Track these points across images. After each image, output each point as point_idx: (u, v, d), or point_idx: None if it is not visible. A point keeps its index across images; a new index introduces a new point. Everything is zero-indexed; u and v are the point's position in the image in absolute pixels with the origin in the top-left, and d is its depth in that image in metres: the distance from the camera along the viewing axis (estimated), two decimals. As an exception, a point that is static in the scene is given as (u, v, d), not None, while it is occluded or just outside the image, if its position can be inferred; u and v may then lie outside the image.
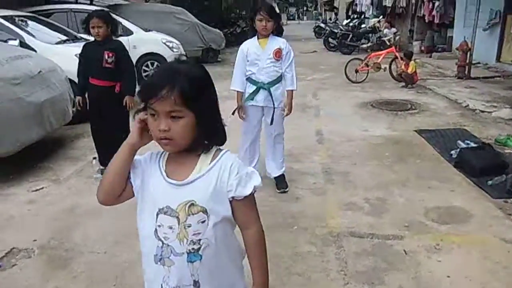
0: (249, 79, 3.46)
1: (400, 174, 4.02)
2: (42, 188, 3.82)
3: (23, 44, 5.68)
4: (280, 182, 3.72)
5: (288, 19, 52.70)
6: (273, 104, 3.44)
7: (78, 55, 3.85)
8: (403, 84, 8.38)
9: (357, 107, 6.83)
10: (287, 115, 3.55)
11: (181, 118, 1.13)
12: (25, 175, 4.07)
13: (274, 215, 3.22)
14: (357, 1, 22.76)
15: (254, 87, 3.43)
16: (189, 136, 1.16)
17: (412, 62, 8.33)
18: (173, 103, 1.10)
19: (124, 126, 3.96)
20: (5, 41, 5.55)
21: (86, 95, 3.88)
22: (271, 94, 3.40)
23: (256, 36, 3.43)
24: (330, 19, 28.47)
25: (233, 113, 3.52)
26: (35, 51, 5.65)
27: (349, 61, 9.22)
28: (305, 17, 60.49)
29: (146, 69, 9.28)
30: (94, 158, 3.77)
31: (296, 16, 63.14)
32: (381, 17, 16.09)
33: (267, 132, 3.66)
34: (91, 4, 12.35)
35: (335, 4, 30.96)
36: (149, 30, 9.67)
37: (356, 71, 9.00)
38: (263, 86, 3.40)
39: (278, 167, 3.73)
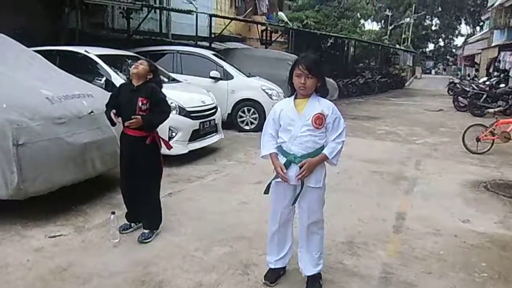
0: (279, 149, 2.74)
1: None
2: (61, 235, 3.56)
3: (108, 83, 5.83)
4: (312, 284, 2.84)
5: (424, 72, 49.79)
6: (302, 182, 2.65)
7: (111, 95, 3.59)
8: (540, 163, 6.63)
9: (466, 186, 5.46)
10: (301, 178, 2.65)
11: None
12: (56, 216, 3.89)
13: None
14: (500, 57, 20.14)
15: (284, 159, 2.70)
16: None
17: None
18: None
19: (156, 182, 3.54)
20: (93, 79, 5.76)
21: (119, 145, 3.57)
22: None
23: (293, 96, 2.73)
24: (469, 75, 25.75)
25: (266, 191, 2.83)
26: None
27: (469, 127, 7.72)
28: (444, 72, 56.51)
29: (242, 115, 9.09)
30: (113, 212, 3.40)
31: (433, 71, 59.39)
32: (526, 77, 13.73)
33: (299, 218, 2.84)
34: (210, 46, 12.91)
35: (476, 60, 28.04)
36: (252, 76, 9.53)
37: (478, 140, 7.48)
38: (294, 159, 2.65)
39: (313, 263, 2.86)
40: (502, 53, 19.97)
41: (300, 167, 2.62)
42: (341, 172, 5.88)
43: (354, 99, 17.83)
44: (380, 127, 10.44)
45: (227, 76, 9.00)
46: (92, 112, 4.15)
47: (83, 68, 6.08)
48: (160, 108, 3.41)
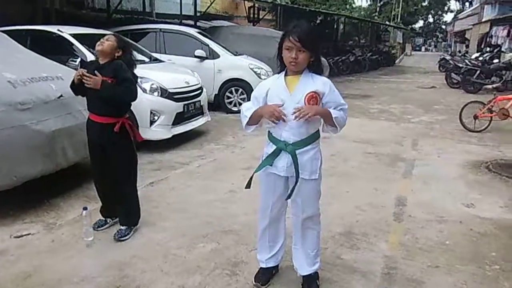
0: (269, 135, 2.38)
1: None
2: (28, 234, 3.19)
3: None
4: (308, 285, 2.53)
5: (414, 49, 49.31)
6: (297, 175, 2.30)
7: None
8: (540, 140, 6.38)
9: (466, 167, 5.18)
10: (298, 116, 2.16)
11: None
12: (25, 213, 3.52)
13: None
14: (492, 32, 19.85)
15: (274, 147, 2.34)
16: None
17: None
18: None
19: (131, 174, 3.18)
20: (67, 60, 5.30)
21: (86, 133, 3.17)
22: (295, 160, 2.28)
23: (283, 72, 2.35)
24: (460, 51, 25.41)
25: (247, 185, 2.47)
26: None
27: (467, 104, 7.42)
28: (434, 48, 55.91)
29: (230, 95, 8.67)
30: (85, 208, 3.04)
31: (423, 47, 58.82)
32: (520, 52, 13.46)
33: (293, 213, 2.51)
34: (195, 25, 12.38)
35: (467, 36, 27.72)
36: (240, 54, 9.09)
37: (476, 117, 7.20)
38: (286, 147, 2.29)
39: (309, 262, 2.55)
40: (494, 28, 19.70)
41: (294, 157, 2.26)
42: (335, 154, 5.57)
43: (345, 77, 17.45)
44: (373, 106, 10.12)
45: (213, 55, 8.55)
46: (61, 96, 3.73)
47: (56, 49, 5.62)
48: (124, 85, 2.92)
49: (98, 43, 2.94)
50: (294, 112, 2.16)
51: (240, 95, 8.64)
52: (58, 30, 5.77)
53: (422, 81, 16.89)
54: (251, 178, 2.45)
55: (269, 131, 2.38)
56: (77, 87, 2.97)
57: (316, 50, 2.28)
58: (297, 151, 2.27)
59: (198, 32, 8.94)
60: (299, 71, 2.28)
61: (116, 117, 2.98)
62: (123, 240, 3.10)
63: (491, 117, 7.15)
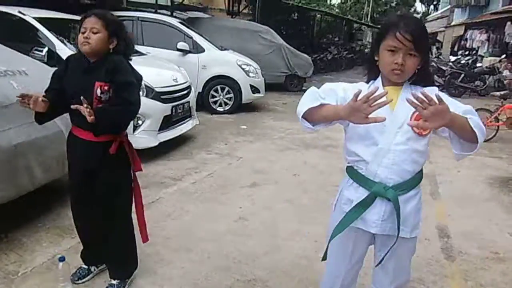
0: (353, 173, 1.64)
1: None
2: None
3: (51, 54, 4.43)
4: None
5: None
6: (398, 230, 1.57)
7: (52, 73, 2.24)
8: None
9: (494, 185, 4.63)
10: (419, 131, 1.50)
11: None
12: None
13: None
14: (467, 35, 19.91)
15: (366, 193, 1.60)
16: None
17: None
18: None
19: (127, 210, 2.34)
20: (31, 49, 4.33)
21: (66, 151, 2.32)
22: (398, 210, 1.55)
23: (379, 80, 1.61)
24: (432, 53, 25.54)
25: (324, 257, 1.75)
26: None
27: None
28: None
29: (215, 94, 7.83)
30: (62, 259, 2.19)
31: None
32: (503, 56, 13.35)
33: (376, 281, 1.78)
34: (171, 15, 11.42)
35: (439, 38, 27.96)
36: (225, 49, 8.26)
37: (484, 125, 6.72)
38: (384, 191, 1.55)
39: None
40: (469, 31, 19.73)
41: (396, 206, 1.53)
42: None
43: (324, 76, 16.86)
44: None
45: (197, 49, 7.69)
46: (26, 98, 2.82)
47: (16, 36, 4.63)
48: (122, 97, 2.04)
49: (81, 42, 2.03)
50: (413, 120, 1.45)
51: (226, 94, 7.83)
52: (20, 12, 4.77)
53: (401, 82, 16.58)
54: (327, 247, 1.70)
55: (351, 166, 1.63)
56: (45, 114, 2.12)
57: (427, 53, 1.56)
58: (400, 198, 1.54)
59: (180, 23, 8.02)
60: (403, 81, 1.55)
61: (112, 134, 2.14)
62: (115, 302, 2.27)
63: (498, 126, 6.72)
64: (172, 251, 2.84)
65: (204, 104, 7.77)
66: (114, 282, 2.32)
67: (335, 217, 1.68)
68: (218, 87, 7.82)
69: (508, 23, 13.99)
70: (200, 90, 7.71)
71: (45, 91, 2.17)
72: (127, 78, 2.08)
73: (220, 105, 7.87)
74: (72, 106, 1.94)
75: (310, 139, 6.16)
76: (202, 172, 4.50)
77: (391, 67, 1.49)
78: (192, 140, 5.80)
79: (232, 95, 7.81)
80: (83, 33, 2.03)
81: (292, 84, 11.65)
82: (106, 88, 2.04)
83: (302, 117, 1.55)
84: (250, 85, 7.93)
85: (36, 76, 3.11)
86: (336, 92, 1.58)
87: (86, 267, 2.46)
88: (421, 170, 1.61)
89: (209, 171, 4.54)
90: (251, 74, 7.92)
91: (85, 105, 1.92)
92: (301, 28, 21.18)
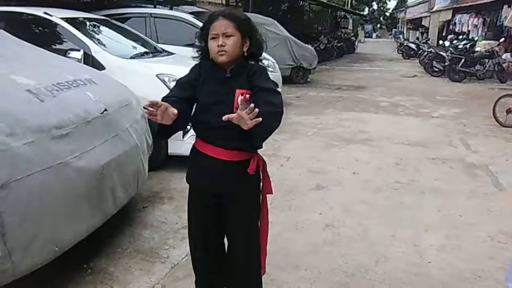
0: None
1: None
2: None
3: (87, 57, 4.07)
4: None
5: (365, 36, 49.67)
6: None
7: (177, 81, 1.93)
8: None
9: (552, 173, 4.54)
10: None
11: None
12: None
13: None
14: (456, 19, 20.02)
15: None
16: None
17: None
18: None
19: (258, 241, 2.01)
20: (66, 53, 3.95)
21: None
22: None
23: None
24: (417, 38, 25.63)
25: None
26: (103, 68, 4.02)
27: (500, 97, 6.91)
28: (390, 35, 54.18)
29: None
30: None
31: (375, 34, 58.96)
32: (502, 40, 13.42)
33: None
34: (171, 9, 10.97)
35: (424, 23, 28.11)
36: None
37: (509, 112, 6.67)
38: None
39: None
40: (457, 16, 19.84)
41: None
42: (399, 163, 4.72)
43: (319, 66, 16.71)
44: (378, 99, 9.39)
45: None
46: (105, 110, 2.50)
47: (45, 39, 4.24)
48: (268, 101, 1.72)
49: (216, 50, 1.73)
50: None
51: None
52: (45, 13, 4.36)
53: (398, 69, 16.54)
54: None
55: None
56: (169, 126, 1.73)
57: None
58: None
59: (195, 18, 7.64)
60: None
61: (249, 152, 1.86)
62: None
63: (526, 111, 6.67)
64: (278, 270, 2.58)
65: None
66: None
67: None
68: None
69: (505, 6, 14.04)
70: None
71: (163, 100, 1.81)
72: (268, 81, 1.81)
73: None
74: (224, 118, 1.62)
75: (346, 134, 5.96)
76: (258, 177, 4.22)
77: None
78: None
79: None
80: (214, 38, 1.74)
81: (298, 76, 11.43)
82: (248, 96, 1.76)
83: None
84: (269, 80, 7.64)
85: (103, 84, 2.79)
86: None
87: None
88: None
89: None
90: (269, 69, 7.61)
91: (245, 111, 1.55)
92: (291, 18, 20.89)
